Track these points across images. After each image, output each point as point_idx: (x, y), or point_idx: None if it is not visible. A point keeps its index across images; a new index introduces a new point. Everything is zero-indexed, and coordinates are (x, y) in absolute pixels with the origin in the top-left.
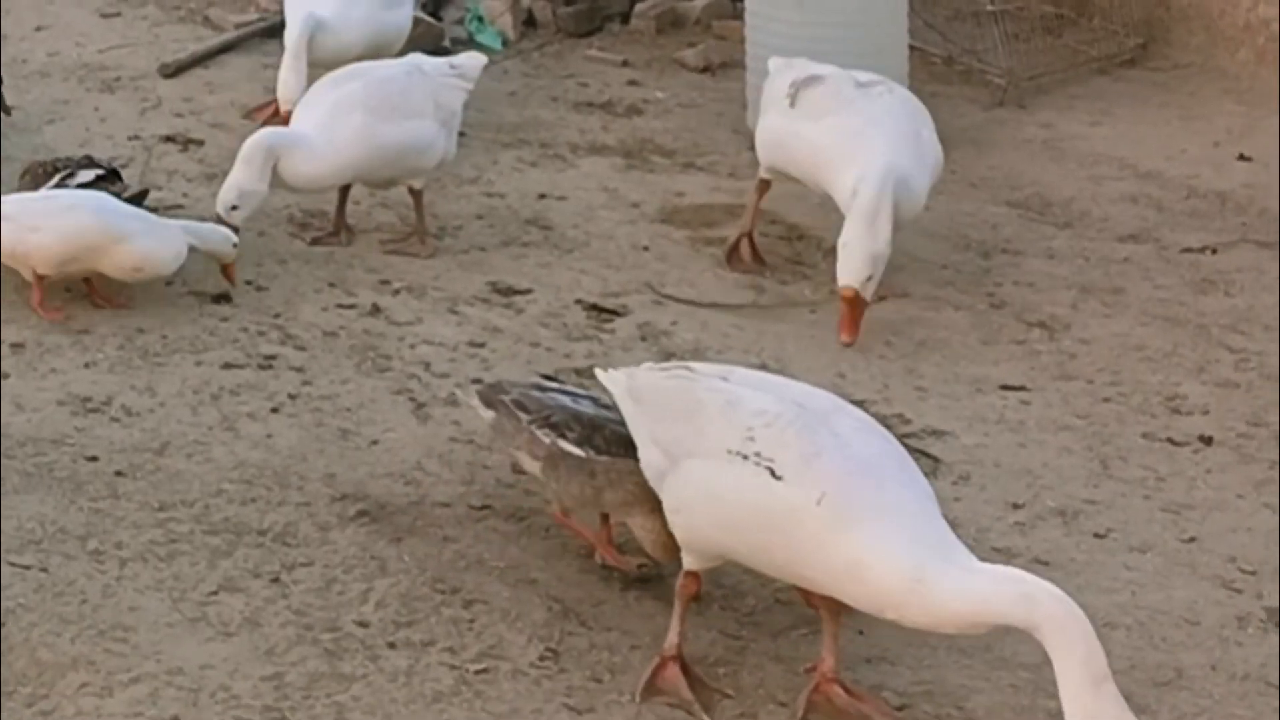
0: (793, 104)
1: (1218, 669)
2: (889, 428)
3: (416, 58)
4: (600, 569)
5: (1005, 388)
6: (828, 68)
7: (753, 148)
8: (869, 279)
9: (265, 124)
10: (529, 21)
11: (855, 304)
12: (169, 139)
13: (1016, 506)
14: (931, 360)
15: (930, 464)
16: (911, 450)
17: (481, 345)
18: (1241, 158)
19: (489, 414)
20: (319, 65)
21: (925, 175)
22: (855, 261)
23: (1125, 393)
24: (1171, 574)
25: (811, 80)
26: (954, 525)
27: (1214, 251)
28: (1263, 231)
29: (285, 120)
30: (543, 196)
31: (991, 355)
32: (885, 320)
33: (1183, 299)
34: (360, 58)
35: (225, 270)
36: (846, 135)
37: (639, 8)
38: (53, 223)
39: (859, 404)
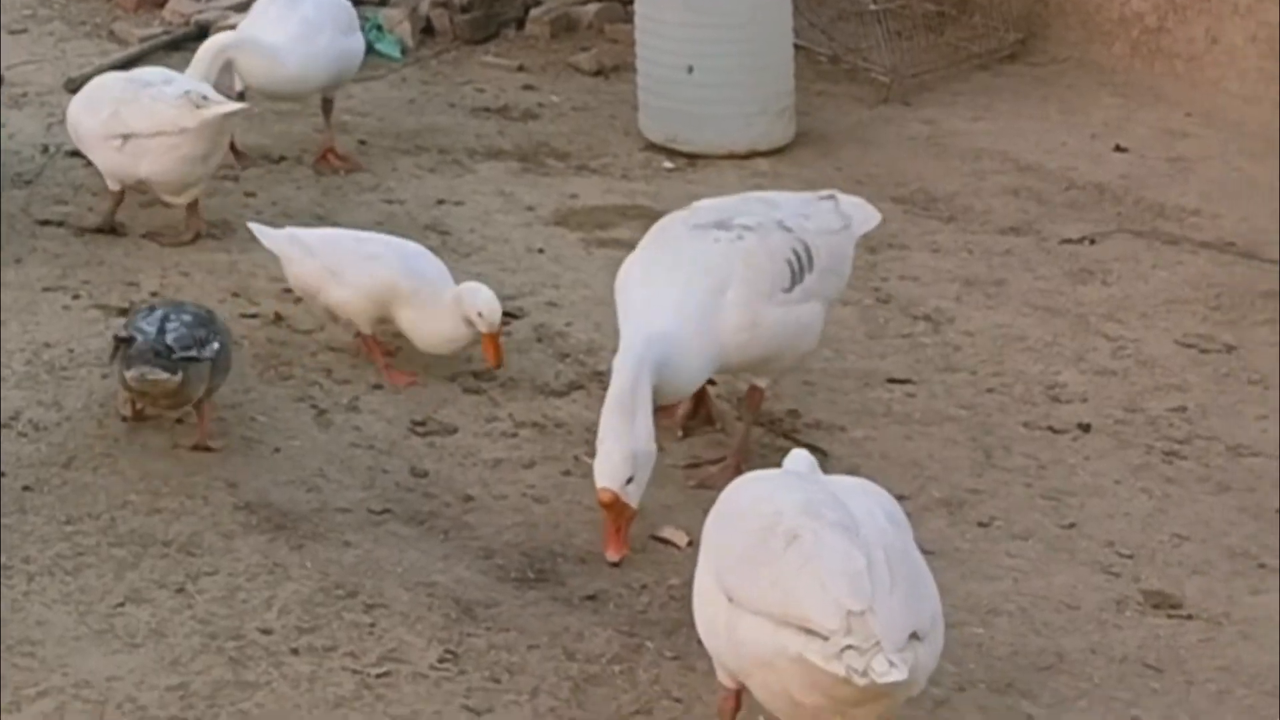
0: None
1: (1097, 652)
2: (778, 424)
3: None
4: (498, 570)
5: (891, 381)
6: (750, 207)
7: (644, 149)
8: (629, 481)
9: None
10: (427, 29)
11: (617, 510)
12: (75, 154)
13: (903, 498)
14: (820, 355)
15: (820, 458)
16: (798, 444)
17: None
18: (1118, 149)
19: None
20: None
21: (706, 349)
22: (612, 463)
23: (1007, 383)
24: (1052, 560)
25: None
26: None
27: (1092, 242)
28: (1138, 221)
29: None
30: (441, 202)
31: (878, 349)
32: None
33: (1062, 289)
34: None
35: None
36: (627, 283)
37: (534, 13)
38: None
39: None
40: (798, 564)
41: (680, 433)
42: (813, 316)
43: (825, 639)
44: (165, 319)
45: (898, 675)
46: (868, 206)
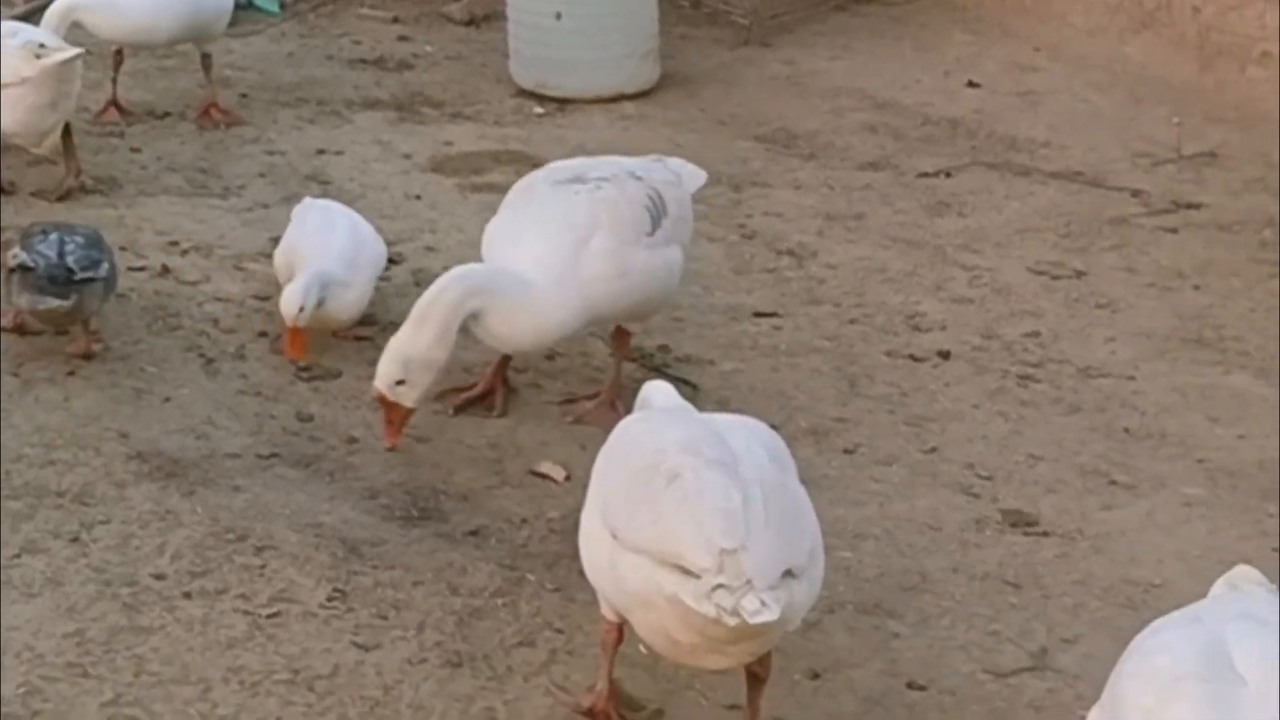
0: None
1: (959, 571)
2: (649, 359)
3: None
4: (383, 509)
5: (758, 314)
6: (600, 165)
7: (516, 95)
8: (400, 384)
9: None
10: None
11: (388, 406)
12: None
13: (773, 428)
14: (689, 291)
15: (690, 391)
16: (672, 379)
17: (266, 299)
18: (970, 85)
19: None
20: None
21: (571, 301)
22: (384, 362)
23: (869, 313)
24: (915, 484)
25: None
26: None
27: (947, 175)
28: (991, 154)
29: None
30: (321, 152)
31: (744, 284)
32: None
33: (920, 221)
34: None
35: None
36: (492, 242)
37: None
38: None
39: None
40: (676, 502)
41: (453, 411)
42: (676, 259)
43: (698, 578)
44: (62, 242)
45: (768, 615)
46: (693, 166)
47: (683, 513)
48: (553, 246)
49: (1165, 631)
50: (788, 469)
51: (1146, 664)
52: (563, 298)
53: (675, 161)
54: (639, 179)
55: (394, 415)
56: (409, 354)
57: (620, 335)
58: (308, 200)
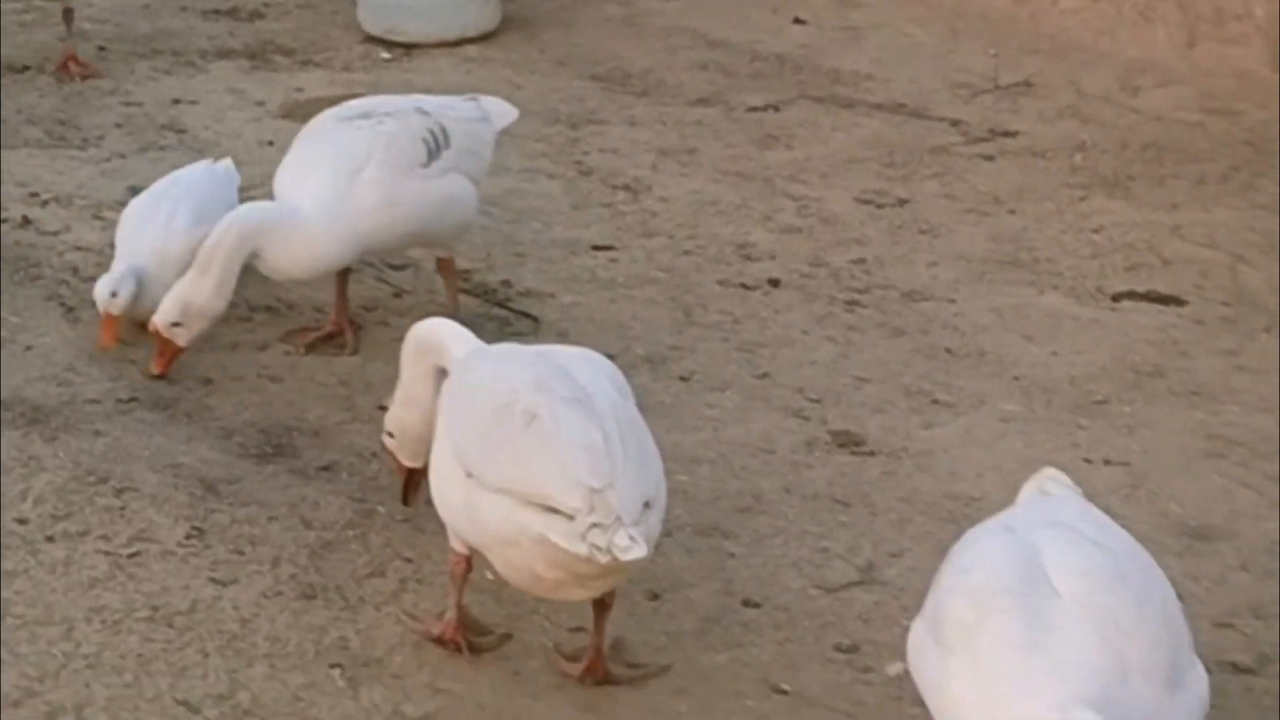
0: None
1: (791, 491)
2: (492, 293)
3: None
4: (238, 447)
5: (596, 248)
6: (390, 102)
7: (364, 41)
8: (176, 325)
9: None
10: None
11: (161, 341)
12: None
13: (610, 357)
14: (530, 227)
15: (531, 324)
16: (514, 313)
17: None
18: (797, 21)
19: None
20: None
21: (341, 230)
22: (166, 301)
23: (702, 244)
24: (748, 408)
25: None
26: None
27: (776, 109)
28: (817, 88)
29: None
30: (177, 102)
31: (582, 219)
32: (489, 196)
33: (750, 155)
34: None
35: None
36: (279, 177)
37: None
38: None
39: (463, 273)
40: (537, 443)
41: (303, 350)
42: (457, 188)
43: (570, 518)
44: None
45: (639, 551)
46: (505, 105)
47: (545, 453)
48: (326, 178)
49: (980, 544)
50: (630, 400)
51: (964, 579)
52: (334, 227)
53: (489, 100)
54: (425, 114)
55: (165, 350)
56: (189, 300)
57: (442, 265)
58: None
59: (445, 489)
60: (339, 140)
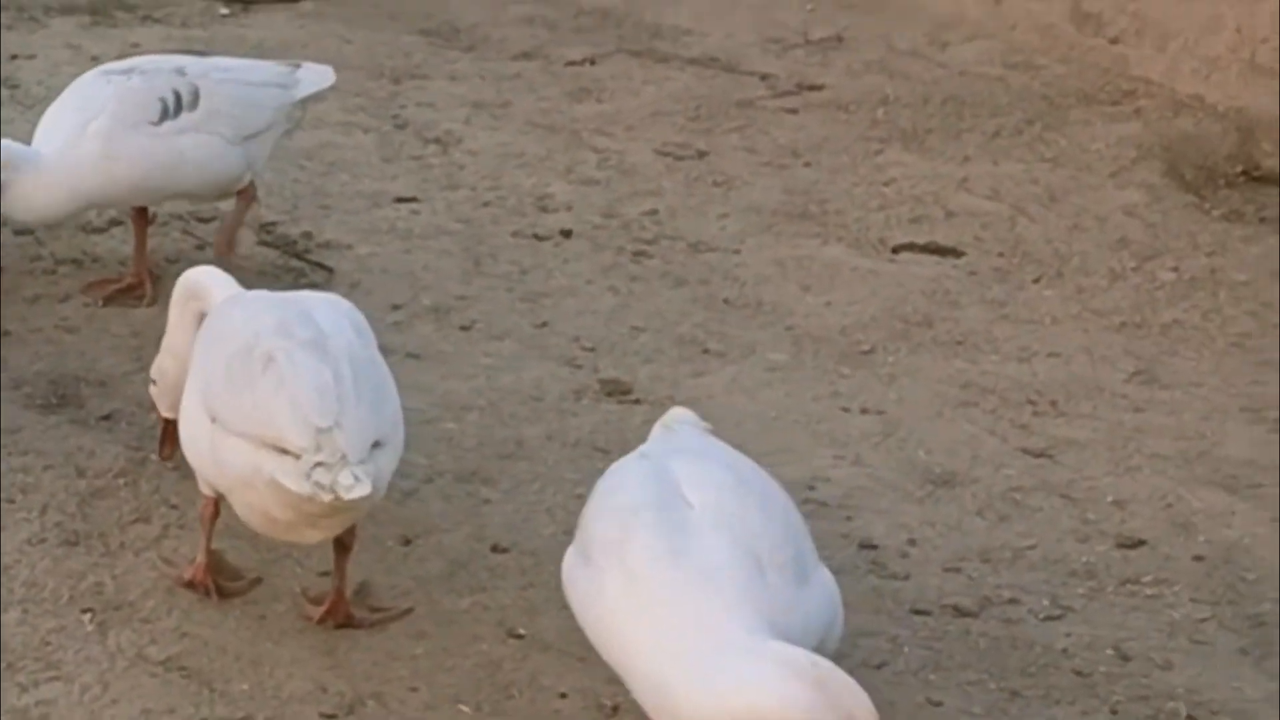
0: None
1: (553, 438)
2: (292, 244)
3: None
4: (25, 398)
5: (399, 200)
6: (158, 60)
7: None
8: None
9: None
10: None
11: None
12: None
13: (397, 307)
14: (339, 180)
15: (325, 275)
16: (311, 264)
17: None
18: None
19: None
20: None
21: (67, 179)
22: None
23: (503, 196)
24: (524, 357)
25: None
26: None
27: (592, 63)
28: (636, 42)
29: None
30: (14, 57)
31: (391, 171)
32: (304, 149)
33: (560, 108)
34: None
35: None
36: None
37: None
38: None
39: (269, 226)
40: (273, 386)
41: (102, 302)
42: (196, 150)
43: (297, 458)
44: None
45: (362, 491)
46: (322, 69)
47: (280, 395)
48: (65, 128)
49: (620, 471)
50: (371, 342)
51: (608, 501)
52: (62, 176)
53: (309, 67)
54: (181, 74)
55: None
56: None
57: (136, 215)
58: None
59: (192, 432)
60: (87, 92)
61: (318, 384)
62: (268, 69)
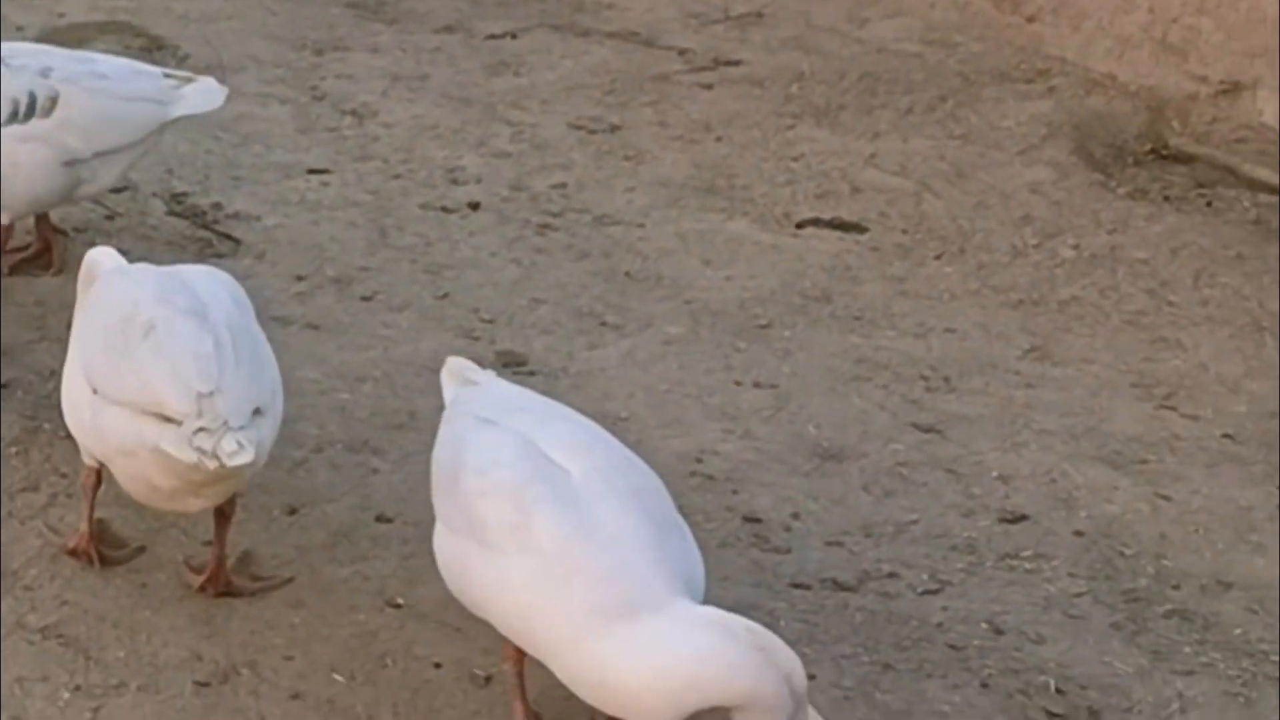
0: None
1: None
2: (201, 215)
3: None
4: None
5: (311, 171)
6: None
7: None
8: None
9: None
10: None
11: None
12: None
13: (300, 278)
14: (253, 151)
15: (231, 246)
16: (218, 235)
17: None
18: None
19: None
20: None
21: None
22: None
23: (414, 169)
24: (422, 328)
25: None
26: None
27: (514, 37)
28: (559, 16)
29: None
30: None
31: (305, 143)
32: (220, 120)
33: (477, 81)
34: None
35: None
36: None
37: None
38: None
39: (179, 196)
40: (153, 353)
41: (7, 270)
42: (30, 159)
43: (179, 424)
44: None
45: (245, 457)
46: (215, 89)
47: (160, 362)
48: None
49: (482, 443)
50: (249, 312)
51: (489, 479)
52: None
53: (199, 87)
54: (44, 77)
55: None
56: None
57: None
58: None
59: (74, 402)
60: None
61: (197, 351)
62: (147, 81)
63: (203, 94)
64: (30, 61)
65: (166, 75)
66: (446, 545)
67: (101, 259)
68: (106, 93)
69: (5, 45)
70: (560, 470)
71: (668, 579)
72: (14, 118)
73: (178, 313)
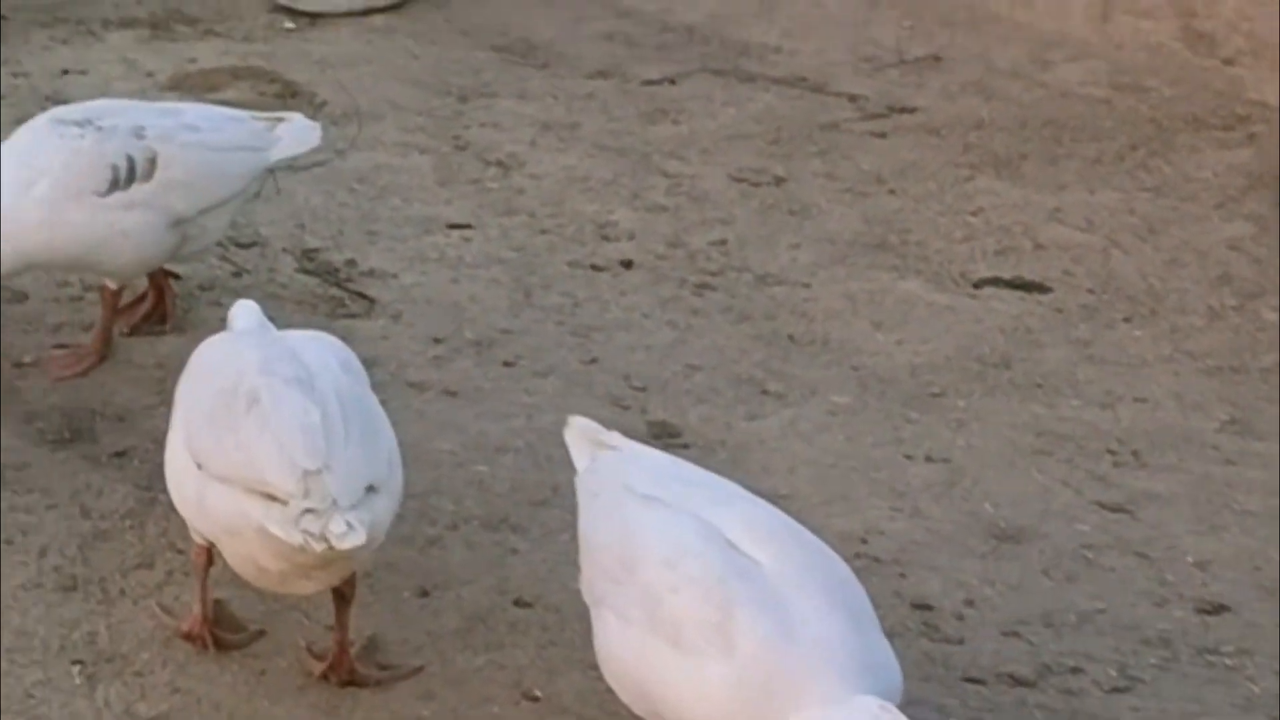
0: None
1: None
2: (335, 273)
3: None
4: (37, 433)
5: (451, 226)
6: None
7: (271, 10)
8: None
9: None
10: None
11: None
12: None
13: (438, 341)
14: (390, 204)
15: (365, 305)
16: (351, 293)
17: None
18: None
19: None
20: None
21: (7, 241)
22: None
23: (562, 224)
24: (568, 395)
25: None
26: (374, 362)
27: (672, 82)
28: (721, 60)
29: None
30: (65, 72)
31: (445, 195)
32: (356, 171)
33: (632, 129)
34: None
35: None
36: None
37: None
38: None
39: (311, 253)
40: (258, 427)
41: (127, 329)
42: (137, 227)
43: (284, 504)
44: None
45: (355, 539)
46: (310, 130)
47: (265, 437)
48: (8, 184)
49: (657, 527)
50: (362, 380)
51: (679, 574)
52: (6, 235)
53: (293, 122)
54: (139, 137)
55: None
56: None
57: (103, 293)
58: None
59: (177, 479)
60: (35, 145)
61: (304, 424)
62: (239, 129)
63: (298, 134)
64: (120, 121)
65: (254, 118)
66: (621, 640)
67: (236, 313)
68: (203, 146)
69: (91, 104)
70: (745, 559)
71: (870, 688)
72: (114, 185)
73: (282, 382)
